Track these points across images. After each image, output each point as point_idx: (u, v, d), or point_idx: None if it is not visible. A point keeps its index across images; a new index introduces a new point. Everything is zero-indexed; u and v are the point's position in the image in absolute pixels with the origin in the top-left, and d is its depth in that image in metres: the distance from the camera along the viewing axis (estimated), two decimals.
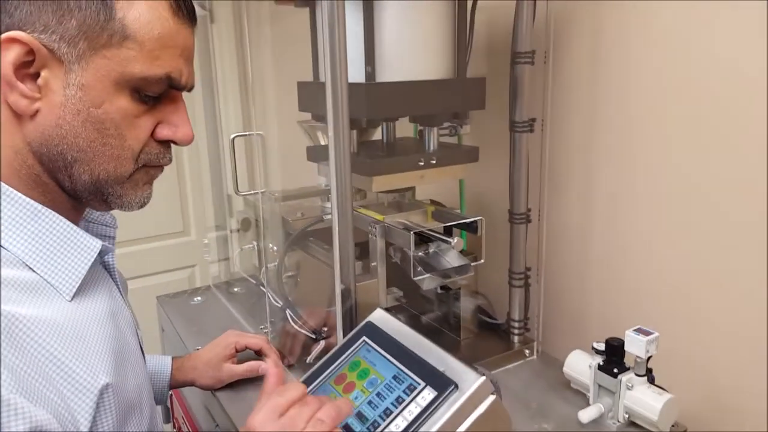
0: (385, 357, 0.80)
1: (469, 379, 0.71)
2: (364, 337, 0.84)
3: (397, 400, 0.74)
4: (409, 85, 0.95)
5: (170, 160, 0.67)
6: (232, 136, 1.07)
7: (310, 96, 1.07)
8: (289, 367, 1.09)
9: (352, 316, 0.93)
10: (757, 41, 0.84)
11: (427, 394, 0.72)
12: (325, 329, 1.10)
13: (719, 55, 0.89)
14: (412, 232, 0.94)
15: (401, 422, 0.71)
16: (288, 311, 1.17)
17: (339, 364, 0.83)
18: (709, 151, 0.92)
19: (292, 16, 1.07)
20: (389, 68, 0.94)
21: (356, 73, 0.92)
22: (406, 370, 0.77)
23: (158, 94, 0.61)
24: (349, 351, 0.84)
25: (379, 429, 0.72)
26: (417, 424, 0.70)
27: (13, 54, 0.54)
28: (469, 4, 1.03)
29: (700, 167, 0.94)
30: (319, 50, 1.02)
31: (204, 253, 1.40)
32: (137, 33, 0.57)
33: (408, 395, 0.74)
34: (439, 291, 1.10)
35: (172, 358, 1.02)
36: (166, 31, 0.59)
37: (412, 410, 0.72)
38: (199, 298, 1.39)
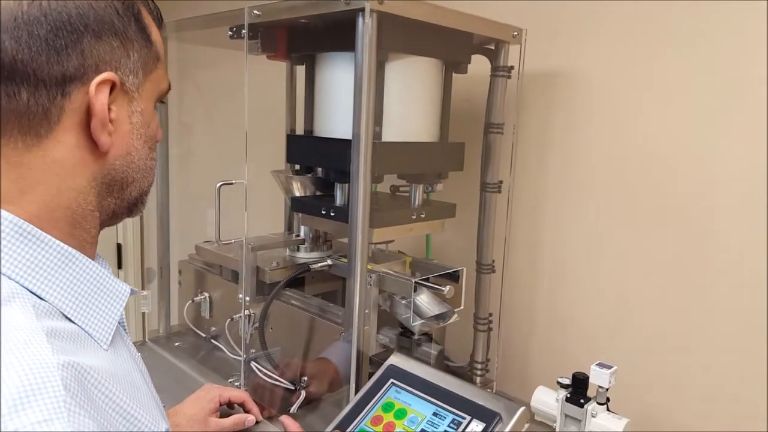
0: (418, 396, 0.85)
1: (510, 409, 0.80)
2: (392, 380, 0.89)
3: None
4: (409, 146, 1.04)
5: None
6: (218, 184, 1.06)
7: (301, 149, 1.10)
8: (269, 418, 1.07)
9: (359, 363, 0.97)
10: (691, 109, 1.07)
11: (476, 426, 0.79)
12: (305, 379, 1.10)
13: (648, 132, 1.12)
14: (414, 281, 1.01)
15: None
16: (253, 363, 1.15)
17: (370, 407, 0.86)
18: (636, 212, 1.14)
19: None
20: (391, 128, 1.03)
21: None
22: (445, 406, 0.83)
23: None
24: (379, 394, 0.88)
25: None
26: None
27: (103, 95, 0.55)
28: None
29: (628, 229, 1.16)
30: (317, 105, 1.08)
31: (142, 306, 1.31)
32: (159, 52, 0.62)
33: (455, 429, 0.79)
34: (417, 337, 1.17)
35: None
36: (162, 44, 0.64)
37: None
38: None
